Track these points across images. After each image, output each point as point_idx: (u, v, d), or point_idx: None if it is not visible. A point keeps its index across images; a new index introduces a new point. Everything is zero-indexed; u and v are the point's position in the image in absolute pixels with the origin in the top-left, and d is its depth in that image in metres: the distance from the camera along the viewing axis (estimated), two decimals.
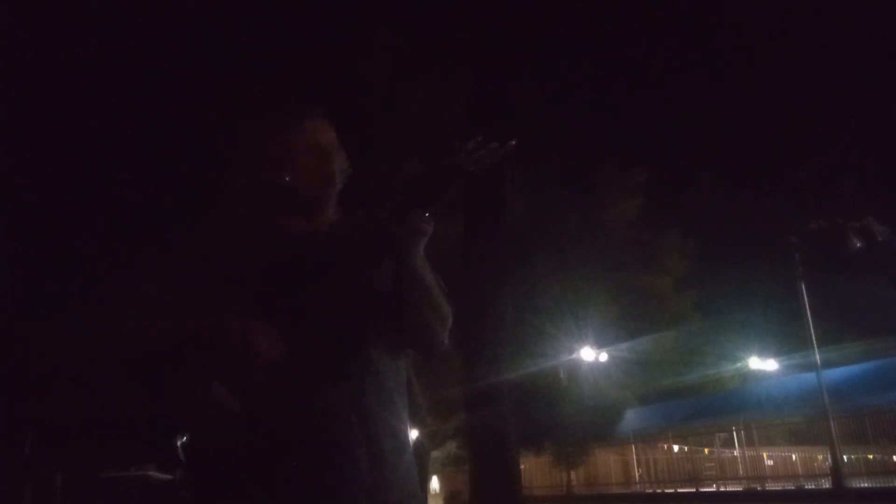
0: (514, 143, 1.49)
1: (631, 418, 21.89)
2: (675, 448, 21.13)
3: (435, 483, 26.72)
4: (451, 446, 20.68)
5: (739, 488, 18.47)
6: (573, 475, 22.23)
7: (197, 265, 1.50)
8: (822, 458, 17.04)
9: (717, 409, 20.91)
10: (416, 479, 1.50)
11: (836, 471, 14.46)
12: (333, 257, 1.50)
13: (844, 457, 15.20)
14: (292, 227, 1.58)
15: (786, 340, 20.89)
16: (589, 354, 19.06)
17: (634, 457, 21.83)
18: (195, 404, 1.33)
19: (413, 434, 18.21)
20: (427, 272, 1.57)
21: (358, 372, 1.47)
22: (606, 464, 22.50)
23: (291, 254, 1.50)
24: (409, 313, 1.54)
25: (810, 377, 16.30)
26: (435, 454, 20.34)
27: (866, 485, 15.30)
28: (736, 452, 19.56)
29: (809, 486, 16.78)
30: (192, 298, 1.42)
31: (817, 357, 14.98)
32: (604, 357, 19.38)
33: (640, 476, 21.72)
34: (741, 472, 19.16)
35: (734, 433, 19.52)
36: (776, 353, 21.74)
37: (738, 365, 22.02)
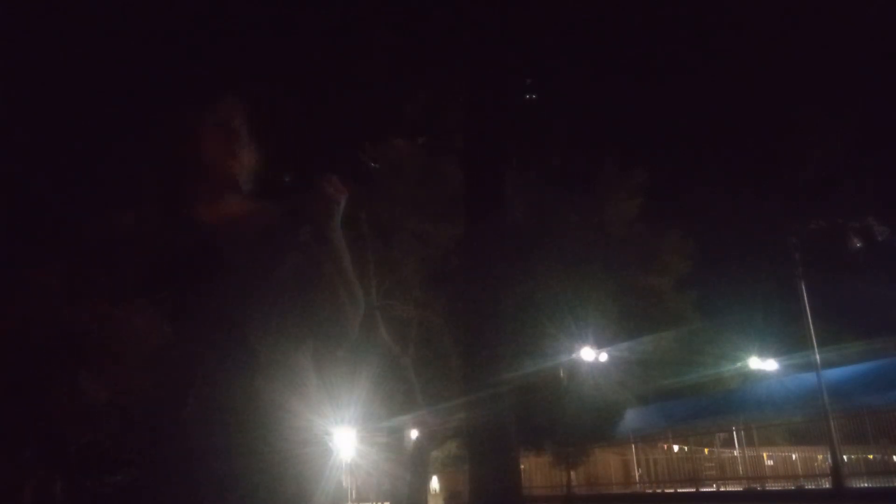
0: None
1: (631, 418, 21.89)
2: (675, 448, 21.13)
3: (435, 483, 26.72)
4: (451, 446, 20.67)
5: (739, 488, 18.47)
6: (573, 475, 22.23)
7: (97, 256, 1.48)
8: (822, 458, 17.04)
9: (717, 409, 20.92)
10: (306, 481, 1.43)
11: (836, 471, 14.47)
12: (234, 246, 1.47)
13: (844, 457, 15.20)
14: (195, 213, 1.55)
15: (786, 340, 20.90)
16: (589, 354, 19.06)
17: (634, 457, 21.83)
18: (61, 394, 1.32)
19: (413, 434, 18.20)
20: (344, 252, 1.53)
21: (246, 366, 1.42)
22: (606, 464, 22.50)
23: (190, 242, 1.48)
24: (321, 292, 1.49)
25: (810, 377, 16.31)
26: (435, 454, 20.32)
27: (866, 485, 15.31)
28: (736, 452, 19.56)
29: (809, 486, 16.79)
30: (85, 284, 1.42)
31: (817, 357, 14.99)
32: (604, 357, 19.37)
33: (640, 476, 21.72)
34: (741, 472, 19.17)
35: (734, 433, 19.52)
36: (776, 353, 21.75)
37: (738, 365, 22.02)
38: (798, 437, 18.62)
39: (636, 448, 21.83)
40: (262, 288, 1.47)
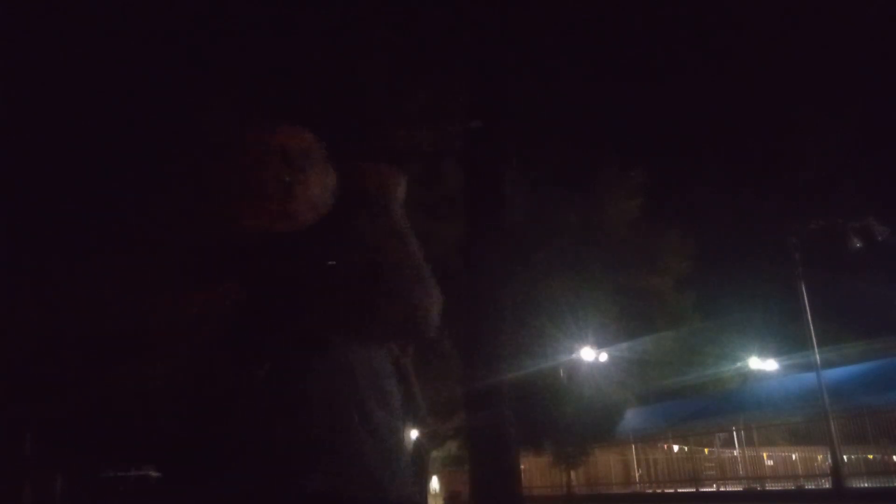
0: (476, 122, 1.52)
1: (631, 418, 21.89)
2: (675, 448, 21.13)
3: (435, 483, 26.72)
4: (451, 446, 20.68)
5: (739, 488, 18.47)
6: (573, 475, 22.23)
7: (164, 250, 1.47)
8: (822, 458, 17.04)
9: (717, 409, 20.91)
10: (384, 469, 1.43)
11: (836, 471, 14.46)
12: (300, 253, 1.45)
13: (844, 457, 15.20)
14: (256, 224, 1.51)
15: (786, 340, 20.91)
16: (589, 354, 19.06)
17: (634, 457, 21.83)
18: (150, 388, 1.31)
19: (413, 434, 18.21)
20: (411, 236, 1.49)
21: (325, 366, 1.41)
22: (606, 464, 22.49)
23: (253, 237, 1.45)
24: (389, 282, 1.43)
25: (810, 377, 16.31)
26: (435, 454, 20.33)
27: (866, 485, 15.31)
28: (736, 452, 19.55)
29: (809, 486, 16.78)
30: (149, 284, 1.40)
31: (817, 357, 14.98)
32: (604, 357, 19.37)
33: (640, 476, 21.71)
34: (741, 472, 19.16)
35: (734, 433, 19.51)
36: (776, 353, 21.75)
37: (738, 365, 22.03)
38: (798, 437, 18.61)
39: (636, 448, 21.83)
40: (337, 283, 1.43)
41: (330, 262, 1.45)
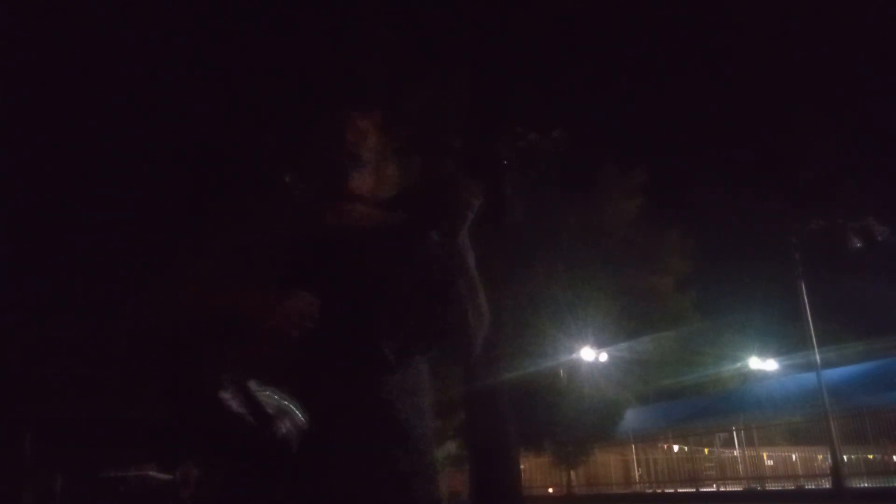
0: (557, 132, 1.49)
1: (631, 418, 21.89)
2: (675, 448, 21.13)
3: None
4: (451, 446, 20.67)
5: (739, 488, 18.47)
6: (573, 475, 22.23)
7: (233, 248, 1.46)
8: (822, 458, 17.03)
9: (717, 409, 20.92)
10: (423, 486, 1.42)
11: (836, 471, 14.46)
12: (364, 248, 1.43)
13: (844, 457, 15.20)
14: (326, 216, 1.52)
15: (786, 340, 20.92)
16: (589, 354, 19.06)
17: (634, 457, 21.83)
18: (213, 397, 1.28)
19: None
20: (471, 256, 1.47)
21: (372, 370, 1.40)
22: (606, 464, 22.50)
23: (323, 242, 1.45)
24: (446, 301, 1.43)
25: (810, 377, 16.31)
26: (435, 454, 20.33)
27: (866, 485, 15.31)
28: (736, 452, 19.56)
29: (809, 486, 16.78)
30: (224, 278, 1.39)
31: (817, 357, 14.98)
32: (604, 357, 19.38)
33: (640, 476, 21.72)
34: (741, 472, 19.16)
35: (734, 433, 19.51)
36: (776, 353, 21.77)
37: (738, 365, 22.04)
38: (798, 437, 18.61)
39: (636, 448, 21.83)
40: (391, 291, 1.42)
41: (400, 273, 1.44)
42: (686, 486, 19.62)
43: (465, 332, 1.46)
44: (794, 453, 18.83)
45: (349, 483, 1.33)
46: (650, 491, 20.86)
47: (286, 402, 1.30)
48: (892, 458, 15.97)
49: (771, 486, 17.92)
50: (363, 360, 1.39)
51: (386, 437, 1.37)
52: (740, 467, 19.28)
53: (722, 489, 19.05)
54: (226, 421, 1.26)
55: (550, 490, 23.38)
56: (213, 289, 1.37)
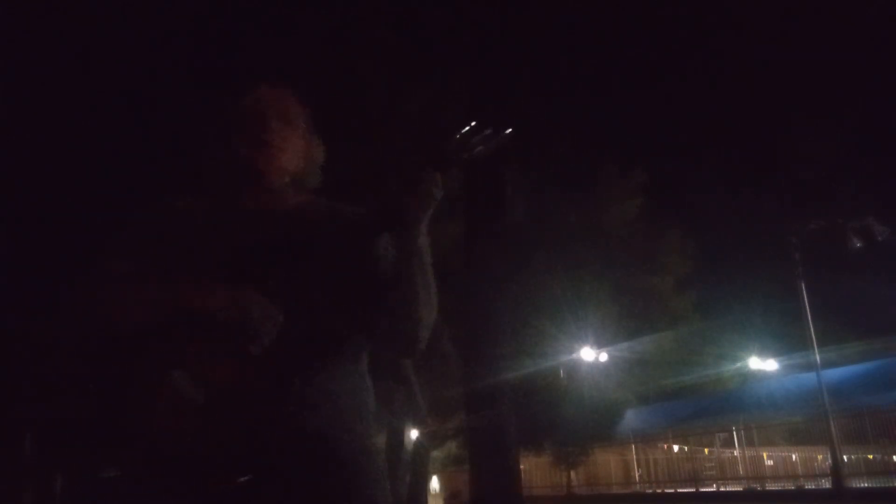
0: (509, 131, 1.39)
1: (631, 418, 21.89)
2: (675, 448, 21.13)
3: (435, 483, 26.72)
4: (451, 446, 20.67)
5: (739, 488, 18.47)
6: (573, 475, 22.23)
7: (166, 243, 1.41)
8: (822, 458, 17.03)
9: (717, 409, 20.91)
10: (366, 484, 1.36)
11: (836, 471, 14.45)
12: (301, 237, 1.39)
13: (844, 457, 15.19)
14: (256, 203, 1.48)
15: (786, 340, 20.91)
16: (589, 354, 19.06)
17: (634, 457, 21.83)
18: (152, 394, 1.25)
19: (413, 434, 18.20)
20: (428, 257, 1.44)
21: (336, 355, 1.37)
22: (606, 464, 22.49)
23: (261, 232, 1.41)
24: (399, 294, 1.39)
25: (810, 377, 16.29)
26: (435, 454, 20.31)
27: (866, 485, 15.31)
28: (736, 452, 19.55)
29: (809, 486, 16.78)
30: (163, 276, 1.34)
31: (817, 357, 14.96)
32: (604, 357, 19.37)
33: (640, 476, 21.71)
34: (741, 472, 19.16)
35: (734, 433, 19.51)
36: (776, 353, 21.75)
37: (738, 365, 22.02)
38: (798, 437, 18.61)
39: (636, 448, 21.83)
40: (344, 280, 1.39)
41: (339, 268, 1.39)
42: (686, 487, 19.61)
43: (414, 322, 1.42)
44: (794, 453, 18.83)
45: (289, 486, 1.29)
46: (650, 491, 20.85)
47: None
48: (892, 458, 15.96)
49: (771, 486, 17.91)
50: (314, 354, 1.36)
51: (330, 437, 1.34)
52: (740, 467, 19.28)
53: (722, 489, 19.04)
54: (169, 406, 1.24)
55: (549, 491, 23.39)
56: (152, 285, 1.33)
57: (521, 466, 15.81)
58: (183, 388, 1.25)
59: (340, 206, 1.53)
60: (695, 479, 19.81)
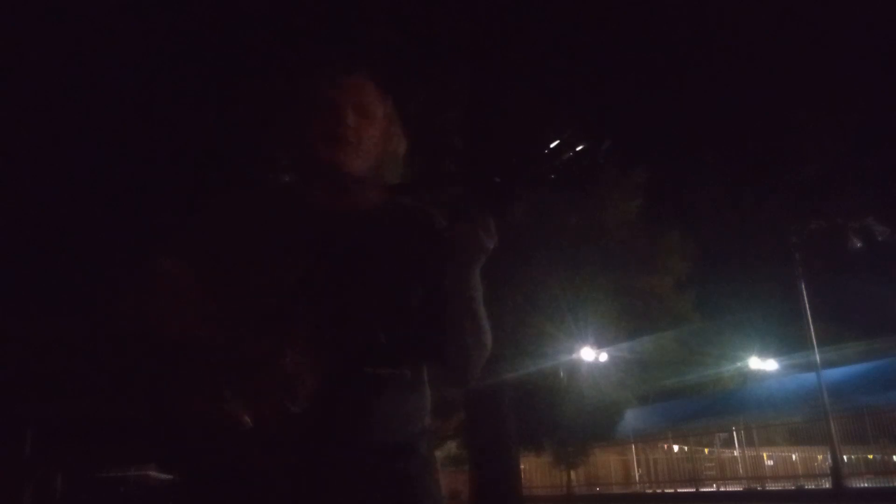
0: (608, 144, 1.32)
1: (631, 418, 21.89)
2: (675, 448, 21.13)
3: None
4: (451, 446, 20.67)
5: (739, 488, 18.48)
6: (573, 475, 22.23)
7: (222, 241, 1.30)
8: (822, 458, 17.04)
9: (717, 409, 20.92)
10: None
11: (836, 471, 14.46)
12: (370, 246, 1.30)
13: (844, 457, 15.20)
14: (328, 203, 1.36)
15: (786, 340, 20.90)
16: (589, 354, 19.06)
17: (634, 457, 21.84)
18: (201, 413, 1.18)
19: None
20: (479, 292, 1.38)
21: (367, 388, 1.27)
22: (606, 464, 22.50)
23: (324, 234, 1.30)
24: (448, 335, 1.34)
25: (810, 377, 16.32)
26: (435, 454, 20.32)
27: (866, 485, 15.31)
28: (736, 452, 19.57)
29: (809, 486, 16.79)
30: (214, 278, 1.24)
31: (817, 357, 14.99)
32: (604, 357, 19.37)
33: (640, 476, 21.73)
34: (741, 472, 19.17)
35: (734, 433, 19.53)
36: (776, 353, 21.75)
37: (738, 365, 22.02)
38: (798, 437, 18.62)
39: (636, 448, 21.84)
40: (393, 296, 1.30)
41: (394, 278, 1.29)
42: (686, 487, 19.62)
43: (462, 355, 1.38)
44: (794, 453, 18.84)
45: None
46: (650, 491, 20.86)
47: None
48: (892, 458, 15.97)
49: (771, 486, 17.92)
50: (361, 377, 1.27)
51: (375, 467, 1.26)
52: (740, 467, 19.29)
53: (722, 489, 19.05)
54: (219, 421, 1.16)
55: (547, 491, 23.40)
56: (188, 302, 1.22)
57: (521, 466, 15.82)
58: (234, 412, 1.16)
59: (423, 210, 1.43)
60: (695, 479, 19.82)
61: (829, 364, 17.08)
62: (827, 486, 15.26)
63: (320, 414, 1.20)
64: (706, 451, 20.75)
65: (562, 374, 19.48)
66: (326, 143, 1.35)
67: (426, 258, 1.33)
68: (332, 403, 1.22)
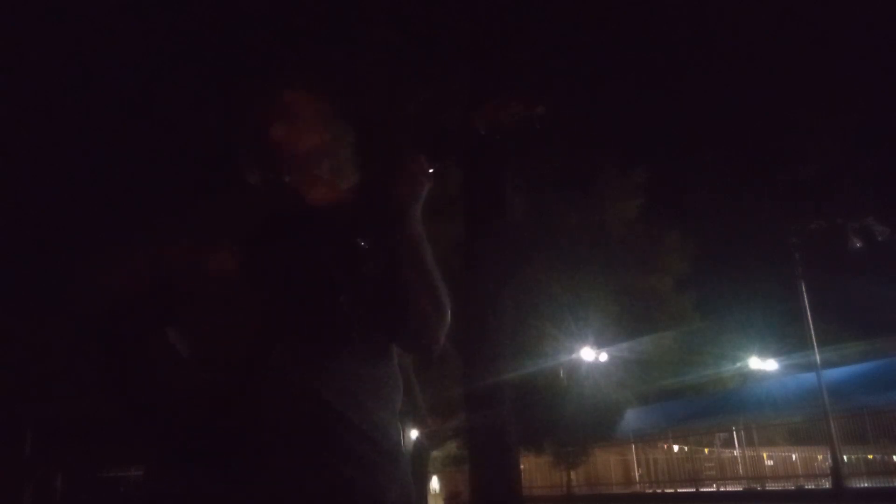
0: (541, 108, 1.33)
1: (631, 418, 21.90)
2: (675, 448, 21.13)
3: (435, 483, 26.71)
4: (451, 446, 20.67)
5: (739, 488, 18.48)
6: (573, 475, 22.23)
7: (178, 234, 1.37)
8: (822, 458, 17.04)
9: (717, 409, 20.92)
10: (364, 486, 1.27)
11: (836, 471, 14.46)
12: (322, 235, 1.33)
13: (844, 457, 15.20)
14: (282, 198, 1.42)
15: (786, 340, 20.92)
16: (589, 354, 19.06)
17: (634, 457, 21.84)
18: (147, 347, 1.22)
19: (413, 434, 18.20)
20: (426, 246, 1.38)
21: (337, 342, 1.28)
22: (606, 464, 22.50)
23: (275, 226, 1.34)
24: (401, 296, 1.32)
25: (810, 377, 16.31)
26: (435, 454, 20.32)
27: (866, 485, 15.31)
28: (736, 452, 19.57)
29: (809, 486, 16.79)
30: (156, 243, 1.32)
31: (817, 357, 14.99)
32: (604, 357, 19.38)
33: (640, 476, 21.73)
34: (741, 472, 19.17)
35: (734, 433, 19.53)
36: (776, 353, 21.76)
37: (738, 365, 22.04)
38: (798, 437, 18.62)
39: (636, 448, 21.84)
40: (347, 269, 1.31)
41: (359, 243, 1.32)
42: (686, 486, 19.62)
43: (425, 323, 1.36)
44: (794, 453, 18.84)
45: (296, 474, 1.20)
46: (650, 491, 20.87)
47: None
48: (892, 458, 15.97)
49: (771, 486, 17.92)
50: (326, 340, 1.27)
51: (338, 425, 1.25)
52: (740, 467, 19.29)
53: (722, 489, 19.05)
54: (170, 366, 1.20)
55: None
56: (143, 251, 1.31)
57: (521, 466, 15.81)
58: (176, 342, 1.21)
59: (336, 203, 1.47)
60: (695, 479, 19.82)
61: (829, 364, 17.08)
62: (827, 486, 15.26)
63: (280, 388, 1.21)
64: (706, 451, 20.75)
65: (562, 374, 19.49)
66: (273, 144, 1.45)
67: (376, 222, 1.35)
68: (289, 380, 1.22)
